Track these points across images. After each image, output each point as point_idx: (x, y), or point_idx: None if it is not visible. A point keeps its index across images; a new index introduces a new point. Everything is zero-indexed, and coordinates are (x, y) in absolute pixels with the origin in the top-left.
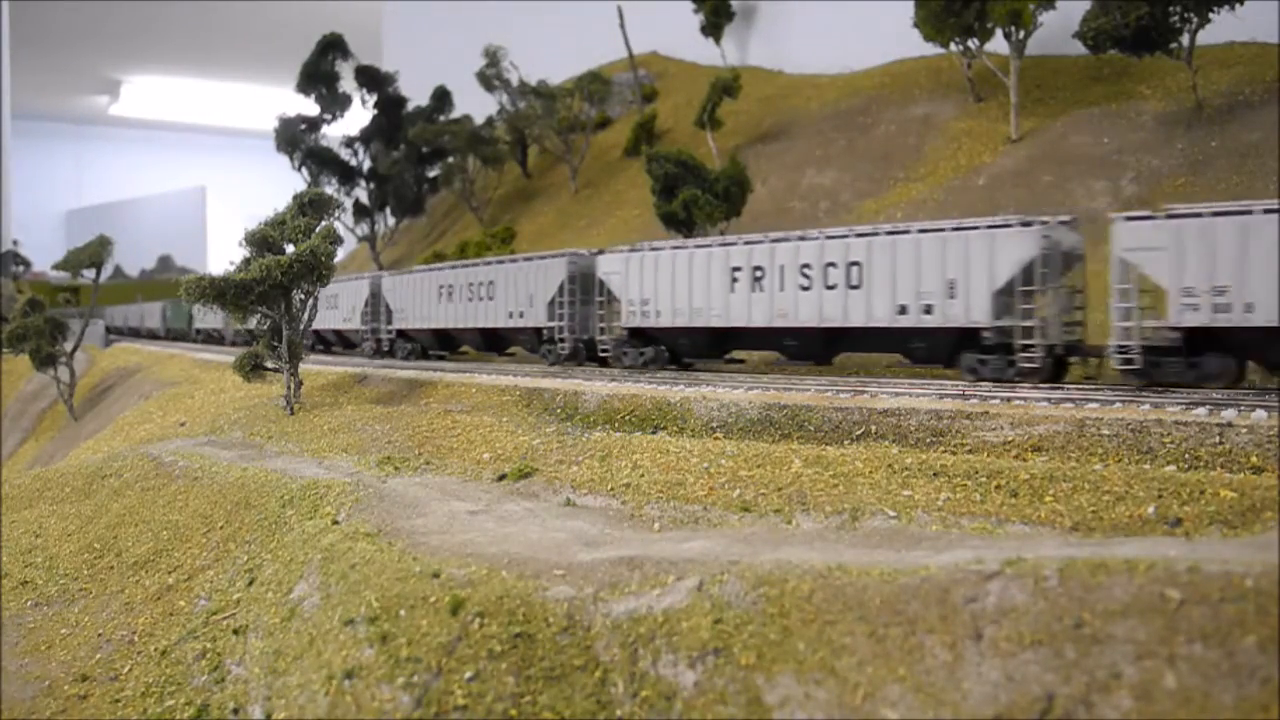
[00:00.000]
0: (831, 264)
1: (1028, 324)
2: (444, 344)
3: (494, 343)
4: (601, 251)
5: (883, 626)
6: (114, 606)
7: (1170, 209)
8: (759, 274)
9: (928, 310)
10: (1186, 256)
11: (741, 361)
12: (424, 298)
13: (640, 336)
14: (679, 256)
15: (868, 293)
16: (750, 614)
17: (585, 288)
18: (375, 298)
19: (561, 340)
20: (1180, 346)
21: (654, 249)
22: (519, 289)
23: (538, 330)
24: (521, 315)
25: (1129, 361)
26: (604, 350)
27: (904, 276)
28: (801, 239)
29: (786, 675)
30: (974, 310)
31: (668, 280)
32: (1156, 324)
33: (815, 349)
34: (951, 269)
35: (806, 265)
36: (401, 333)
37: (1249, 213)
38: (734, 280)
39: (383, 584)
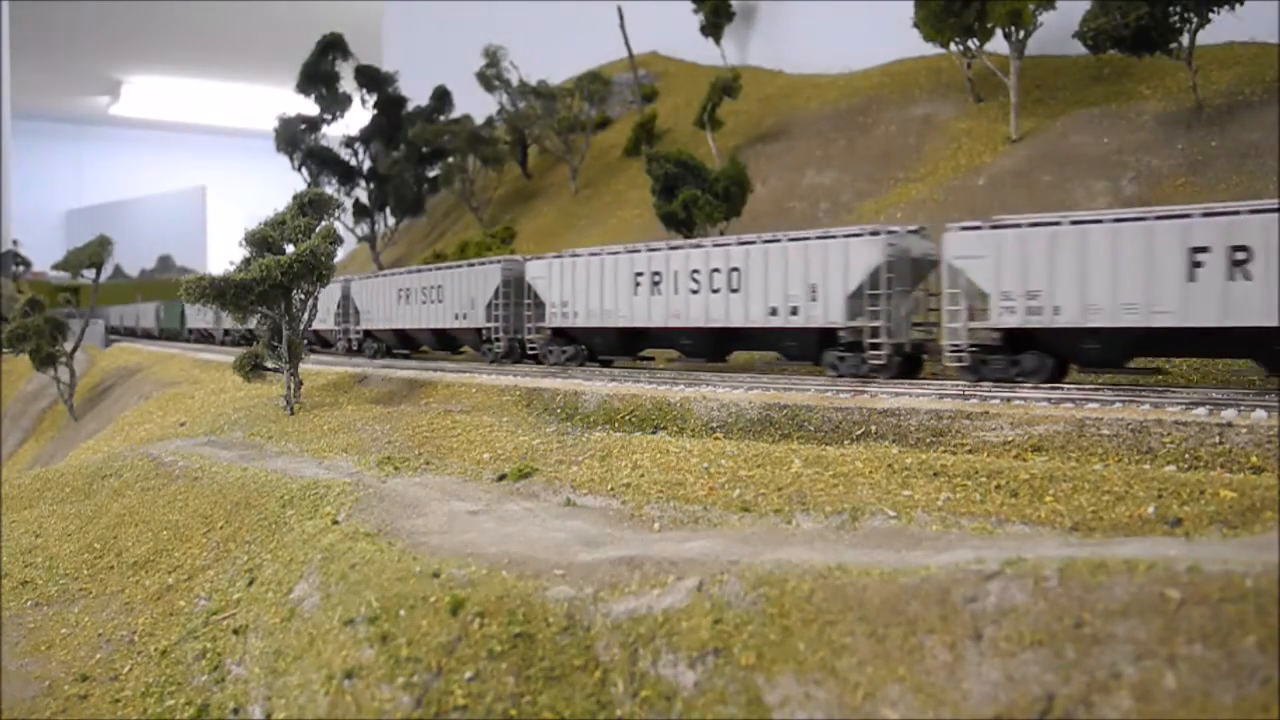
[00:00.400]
0: (716, 270)
1: (875, 324)
2: (405, 343)
3: (445, 342)
4: (530, 258)
5: (883, 626)
6: (114, 606)
7: (995, 220)
8: (657, 279)
9: (794, 312)
10: (1004, 264)
11: (651, 359)
12: (386, 300)
13: (563, 336)
14: (592, 263)
15: (745, 296)
16: (750, 614)
17: (518, 291)
18: (346, 300)
19: (497, 339)
20: (1001, 345)
21: (573, 256)
22: (462, 292)
23: (478, 330)
24: (465, 317)
25: (960, 359)
26: (532, 348)
27: (775, 282)
28: (695, 247)
29: (786, 675)
30: (831, 312)
31: (583, 284)
32: (980, 325)
33: (708, 348)
34: (814, 274)
35: (696, 271)
36: (369, 333)
37: (1058, 224)
38: (637, 285)
39: (383, 584)
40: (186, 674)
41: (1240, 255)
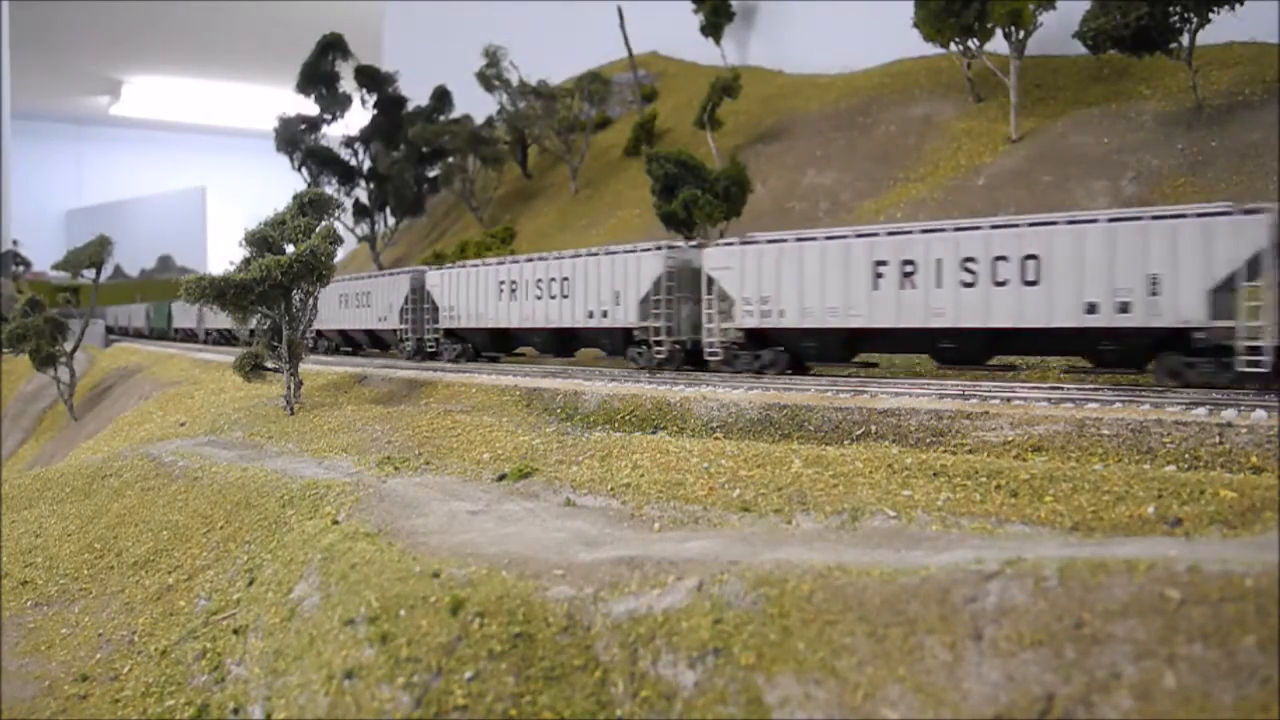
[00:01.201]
0: (554, 279)
1: (657, 324)
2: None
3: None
4: (430, 268)
5: (883, 626)
6: (114, 606)
7: (745, 237)
8: (514, 287)
9: (605, 314)
10: (746, 274)
11: (523, 354)
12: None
13: (452, 336)
14: (474, 273)
15: (573, 301)
16: (750, 614)
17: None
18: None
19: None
20: (745, 342)
21: (462, 267)
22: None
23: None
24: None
25: (715, 354)
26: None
27: (591, 289)
28: (540, 259)
29: (786, 675)
30: (629, 314)
31: (473, 291)
32: (729, 325)
33: (553, 345)
34: (617, 283)
35: (539, 280)
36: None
37: (784, 240)
38: (500, 292)
39: (383, 584)
40: (186, 674)
41: (909, 268)
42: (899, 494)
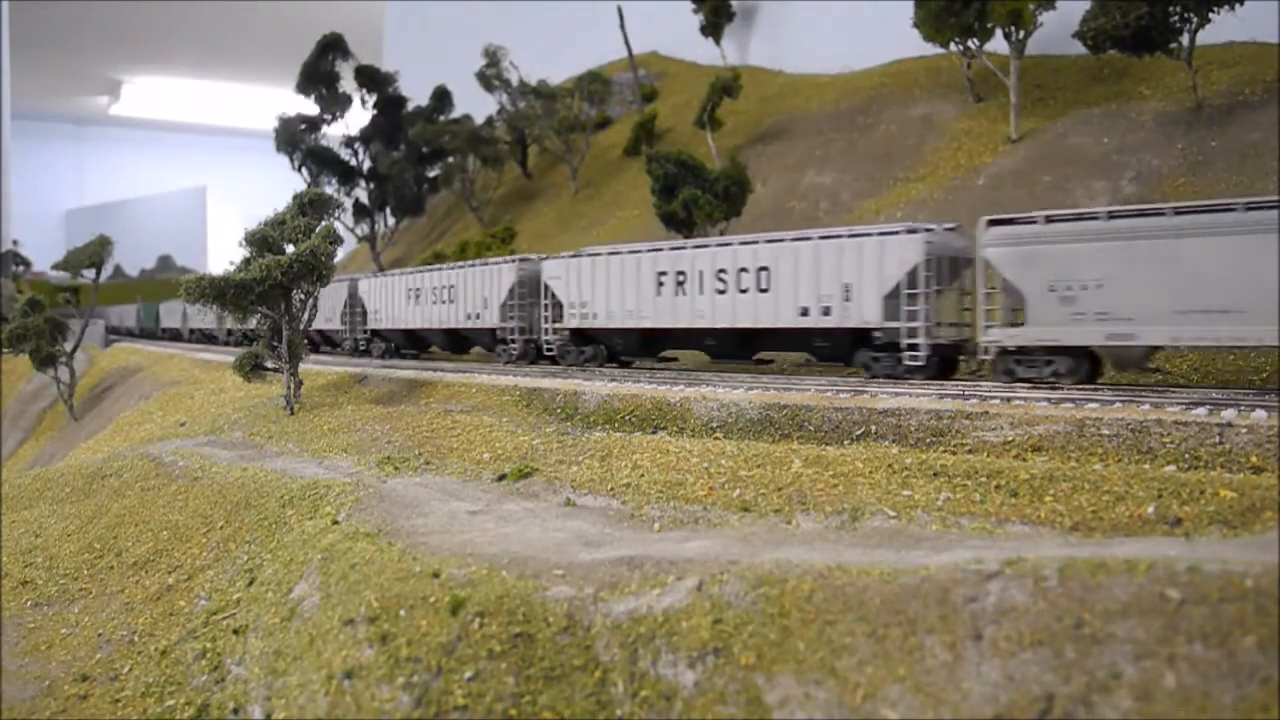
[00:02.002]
0: (446, 287)
1: (512, 325)
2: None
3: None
4: (361, 277)
5: (883, 626)
6: (114, 606)
7: (579, 252)
8: (418, 294)
9: (478, 317)
10: (570, 283)
11: (432, 353)
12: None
13: (378, 335)
14: (390, 281)
15: (457, 306)
16: (750, 614)
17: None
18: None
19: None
20: (572, 340)
21: (383, 276)
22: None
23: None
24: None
25: (550, 349)
26: (364, 345)
27: (469, 295)
28: (436, 270)
29: (786, 675)
30: (494, 317)
31: (389, 296)
32: (560, 325)
33: (446, 343)
34: (486, 290)
35: (436, 287)
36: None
37: (598, 254)
38: (407, 297)
39: (383, 584)
40: (186, 674)
41: (681, 278)
42: (899, 494)
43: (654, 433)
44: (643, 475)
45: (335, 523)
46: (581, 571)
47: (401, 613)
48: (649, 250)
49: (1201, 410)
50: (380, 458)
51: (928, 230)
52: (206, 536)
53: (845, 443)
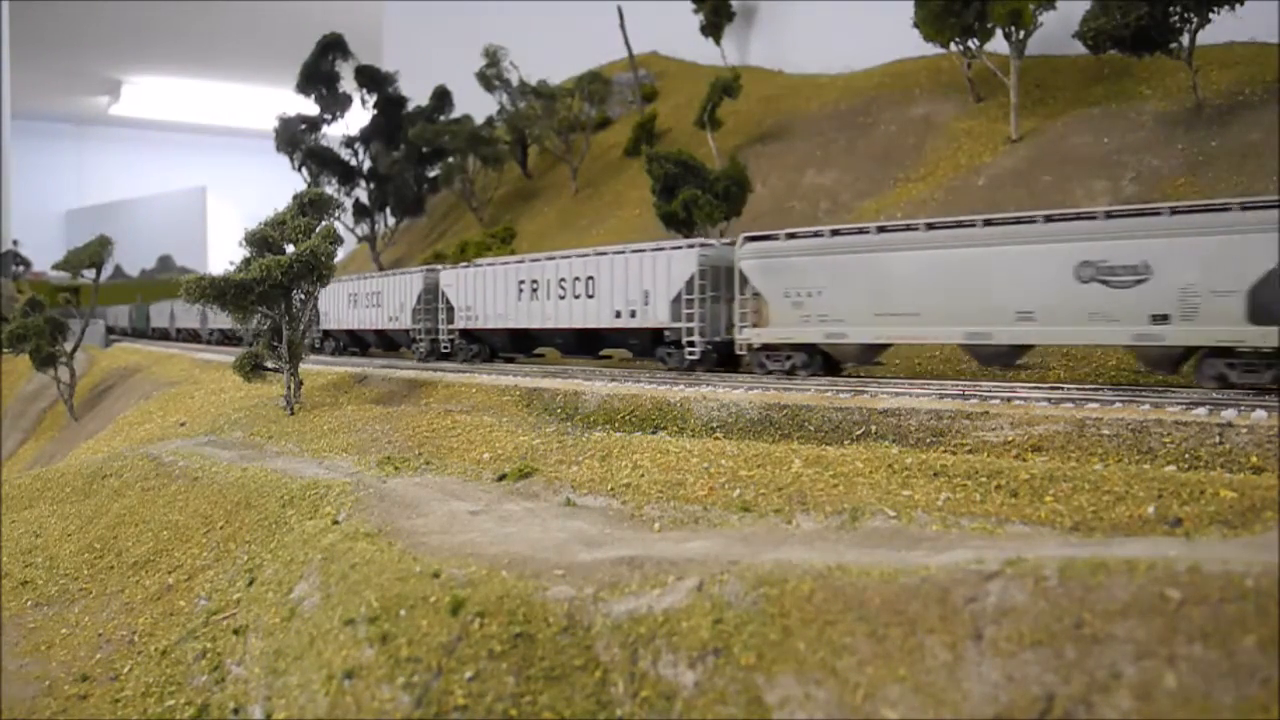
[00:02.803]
0: (372, 293)
1: (420, 326)
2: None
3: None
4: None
5: (883, 626)
6: (114, 606)
7: (469, 264)
8: (355, 299)
9: (397, 319)
10: (459, 289)
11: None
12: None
13: (327, 335)
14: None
15: (384, 309)
16: (750, 614)
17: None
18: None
19: None
20: (461, 339)
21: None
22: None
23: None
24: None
25: (447, 348)
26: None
27: (392, 302)
28: (367, 278)
29: (786, 675)
30: (407, 319)
31: (335, 300)
32: (453, 326)
33: (380, 342)
34: (402, 296)
35: (354, 294)
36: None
37: (480, 266)
38: (350, 302)
39: (383, 584)
40: (186, 674)
41: (534, 286)
42: (899, 494)
43: (654, 433)
44: (643, 475)
45: (335, 523)
46: (582, 571)
47: (402, 613)
48: (515, 262)
49: (1202, 410)
50: (380, 458)
51: (704, 245)
52: (206, 536)
53: (845, 443)
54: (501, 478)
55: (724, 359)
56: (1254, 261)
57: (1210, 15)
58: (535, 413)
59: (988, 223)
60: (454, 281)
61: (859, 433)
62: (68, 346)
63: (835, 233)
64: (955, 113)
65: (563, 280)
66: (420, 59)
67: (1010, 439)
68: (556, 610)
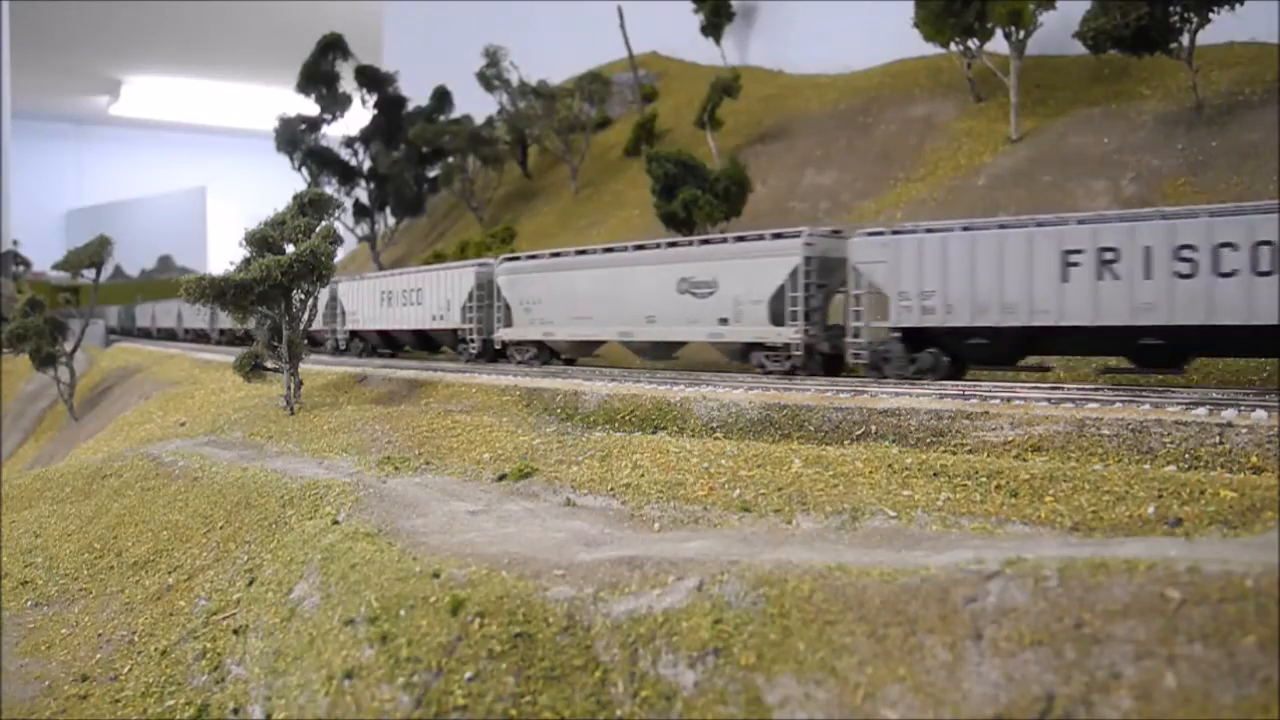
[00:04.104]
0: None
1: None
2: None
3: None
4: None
5: (883, 626)
6: (114, 606)
7: (356, 275)
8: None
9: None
10: (349, 297)
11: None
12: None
13: (355, 336)
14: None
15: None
16: (750, 614)
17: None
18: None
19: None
20: (350, 338)
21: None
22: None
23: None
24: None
25: (340, 347)
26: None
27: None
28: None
29: (786, 675)
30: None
31: (364, 298)
32: (345, 327)
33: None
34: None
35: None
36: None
37: (364, 278)
38: (380, 299)
39: (383, 584)
40: (186, 674)
41: (388, 295)
42: (899, 494)
43: (654, 433)
44: (643, 475)
45: (335, 523)
46: (581, 571)
47: (401, 613)
48: (381, 276)
49: (1202, 410)
50: (380, 458)
51: (481, 265)
52: (206, 536)
53: (845, 443)
54: (501, 478)
55: (496, 353)
56: (771, 280)
57: (1210, 15)
58: (535, 413)
59: (638, 247)
60: (346, 289)
61: (859, 433)
62: (68, 346)
63: (553, 255)
64: (955, 113)
65: (404, 291)
66: (420, 59)
67: (1010, 439)
68: (556, 610)
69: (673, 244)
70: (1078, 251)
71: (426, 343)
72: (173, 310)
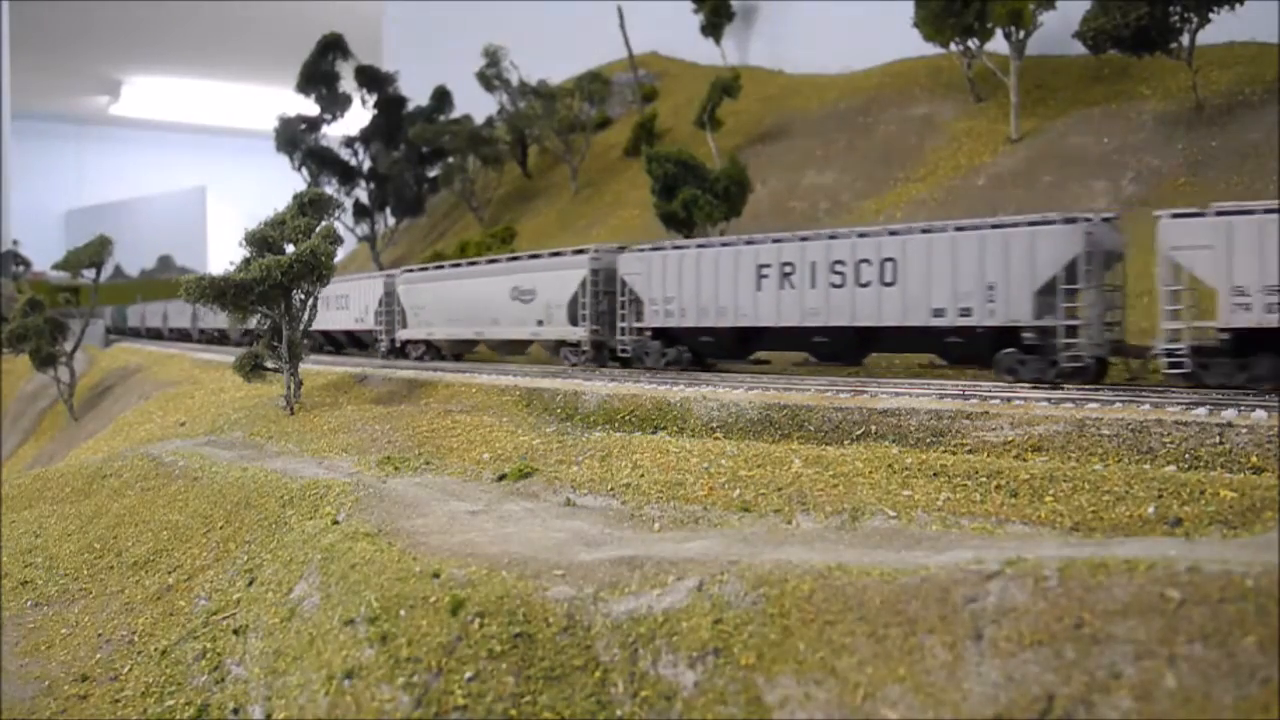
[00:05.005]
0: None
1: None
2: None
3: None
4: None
5: (883, 626)
6: (114, 606)
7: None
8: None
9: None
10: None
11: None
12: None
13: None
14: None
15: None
16: (750, 614)
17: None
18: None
19: None
20: (324, 338)
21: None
22: None
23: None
24: None
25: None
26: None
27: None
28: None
29: (786, 675)
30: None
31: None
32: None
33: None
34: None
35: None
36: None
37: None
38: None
39: (383, 584)
40: (186, 674)
41: (328, 301)
42: (899, 494)
43: (654, 433)
44: (643, 475)
45: (335, 523)
46: (581, 571)
47: (402, 613)
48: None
49: (1202, 410)
50: (380, 458)
51: (389, 275)
52: (206, 536)
53: (845, 443)
54: (501, 478)
55: (399, 352)
56: (569, 288)
57: (1210, 15)
58: (535, 413)
59: (490, 261)
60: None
61: (859, 433)
62: (67, 346)
63: (436, 267)
64: (955, 113)
65: (339, 298)
66: (420, 59)
67: (1010, 439)
68: (556, 610)
69: (513, 258)
70: (767, 266)
71: (355, 342)
72: (158, 311)
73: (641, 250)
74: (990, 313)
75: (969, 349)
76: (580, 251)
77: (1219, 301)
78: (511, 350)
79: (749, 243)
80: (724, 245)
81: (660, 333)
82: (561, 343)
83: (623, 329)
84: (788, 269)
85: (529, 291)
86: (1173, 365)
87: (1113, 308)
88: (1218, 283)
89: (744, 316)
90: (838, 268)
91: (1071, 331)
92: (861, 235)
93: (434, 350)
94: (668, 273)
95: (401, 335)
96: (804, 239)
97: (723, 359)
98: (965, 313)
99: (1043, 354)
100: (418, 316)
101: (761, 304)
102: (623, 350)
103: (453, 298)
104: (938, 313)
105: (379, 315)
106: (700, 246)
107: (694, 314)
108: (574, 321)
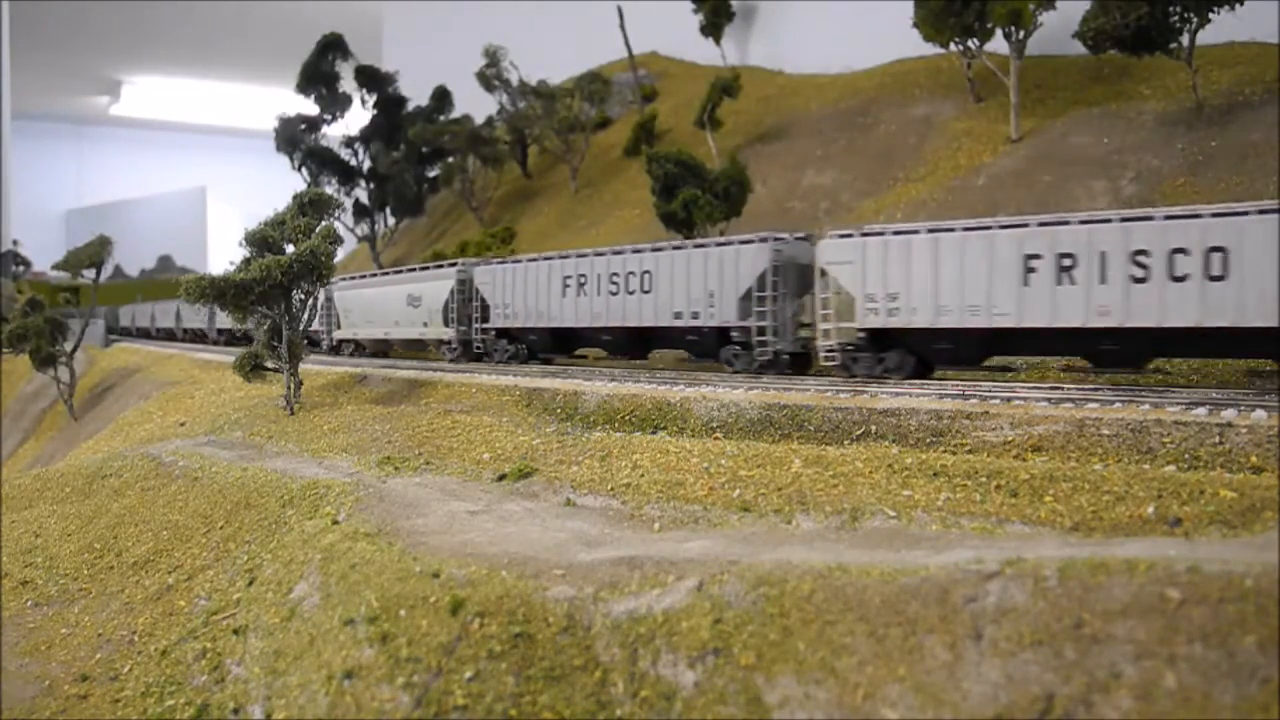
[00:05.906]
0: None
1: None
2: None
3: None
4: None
5: (883, 626)
6: (114, 606)
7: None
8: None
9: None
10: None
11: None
12: None
13: (225, 333)
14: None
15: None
16: (750, 614)
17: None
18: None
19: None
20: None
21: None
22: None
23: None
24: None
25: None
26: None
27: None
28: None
29: (786, 675)
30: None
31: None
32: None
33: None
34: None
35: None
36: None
37: (356, 279)
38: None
39: (383, 584)
40: (186, 674)
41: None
42: (899, 494)
43: (654, 433)
44: (643, 475)
45: (335, 523)
46: (581, 571)
47: (401, 613)
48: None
49: (1201, 410)
50: (380, 458)
51: (330, 283)
52: (206, 536)
53: (845, 443)
54: (501, 478)
55: (333, 349)
56: (443, 295)
57: (1210, 15)
58: (535, 413)
59: (396, 271)
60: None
61: (859, 433)
62: (67, 346)
63: (361, 276)
64: (955, 113)
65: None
66: (420, 59)
67: (1010, 439)
68: (556, 610)
69: (410, 269)
70: (569, 277)
71: (311, 342)
72: (147, 311)
73: (490, 264)
74: (712, 316)
75: (703, 346)
76: (452, 264)
77: (856, 306)
78: (411, 347)
79: (563, 258)
80: (543, 260)
81: (503, 333)
82: (440, 341)
83: (477, 329)
84: (583, 280)
85: (418, 298)
86: (827, 358)
87: (806, 312)
88: (855, 291)
89: (554, 319)
90: (614, 279)
91: (763, 331)
92: (634, 251)
93: (361, 349)
94: (506, 283)
95: (336, 335)
96: (597, 254)
97: (551, 354)
98: (695, 315)
99: (748, 349)
100: (347, 318)
101: (565, 309)
102: (477, 347)
103: (370, 303)
104: (678, 315)
105: (324, 319)
106: (529, 261)
107: (523, 317)
108: (447, 323)
